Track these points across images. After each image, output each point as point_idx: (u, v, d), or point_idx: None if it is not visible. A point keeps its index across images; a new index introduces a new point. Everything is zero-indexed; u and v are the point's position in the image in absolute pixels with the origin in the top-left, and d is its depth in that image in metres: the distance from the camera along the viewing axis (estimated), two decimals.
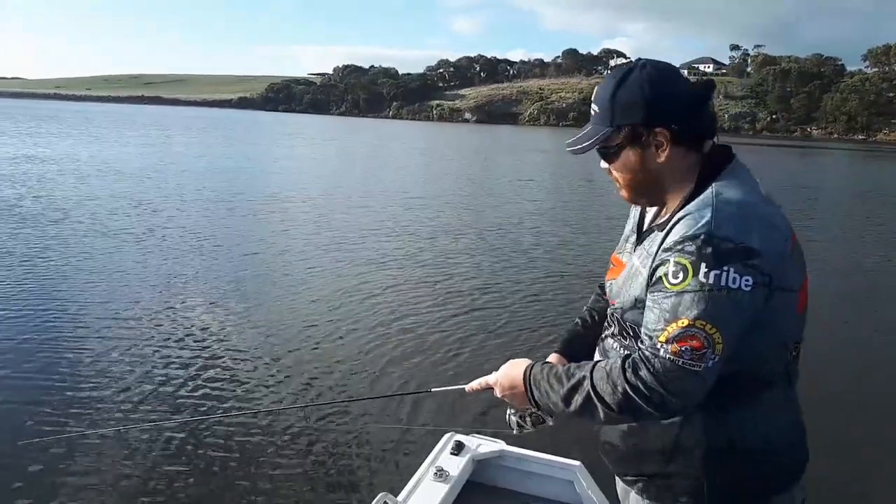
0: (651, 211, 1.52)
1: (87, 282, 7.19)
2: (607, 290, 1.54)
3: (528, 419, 1.60)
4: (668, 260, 1.25)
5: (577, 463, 2.34)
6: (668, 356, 1.21)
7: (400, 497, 2.11)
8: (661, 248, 1.29)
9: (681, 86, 1.37)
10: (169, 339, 5.61)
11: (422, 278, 8.04)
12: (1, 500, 3.28)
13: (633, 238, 1.51)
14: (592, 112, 1.43)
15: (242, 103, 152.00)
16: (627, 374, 1.24)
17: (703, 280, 1.19)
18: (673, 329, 1.21)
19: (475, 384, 1.61)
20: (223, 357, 5.29)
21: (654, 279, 1.29)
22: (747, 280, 1.19)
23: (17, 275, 7.26)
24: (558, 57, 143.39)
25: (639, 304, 1.35)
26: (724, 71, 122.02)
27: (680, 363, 1.20)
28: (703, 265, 1.20)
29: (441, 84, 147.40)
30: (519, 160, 31.92)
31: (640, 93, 1.34)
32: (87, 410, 4.24)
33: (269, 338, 5.77)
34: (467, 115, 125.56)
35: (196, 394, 4.61)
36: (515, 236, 11.18)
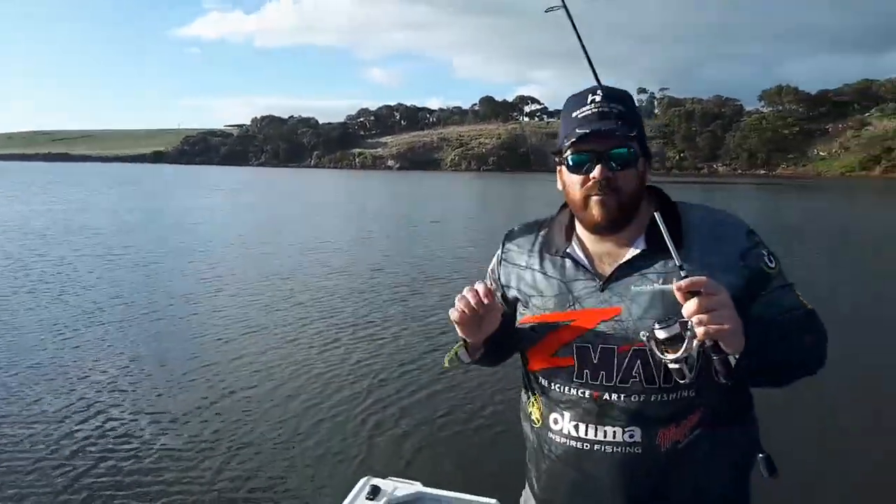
0: (578, 252, 1.44)
1: None
2: (601, 337, 1.36)
3: (685, 360, 1.20)
4: (760, 254, 1.37)
5: (494, 501, 2.31)
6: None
7: None
8: (739, 251, 1.36)
9: None
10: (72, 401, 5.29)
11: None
12: None
13: (592, 284, 1.39)
14: (612, 110, 1.34)
15: (157, 157, 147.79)
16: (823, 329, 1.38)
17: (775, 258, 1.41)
18: (798, 294, 1.39)
19: (688, 282, 1.18)
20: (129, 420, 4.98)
21: (755, 275, 1.35)
22: None
23: None
24: (475, 104, 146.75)
25: None
26: None
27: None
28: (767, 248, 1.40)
29: (362, 132, 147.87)
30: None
31: (640, 112, 1.43)
32: None
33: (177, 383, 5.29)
34: (390, 163, 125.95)
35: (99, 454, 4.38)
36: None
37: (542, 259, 1.47)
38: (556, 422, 1.43)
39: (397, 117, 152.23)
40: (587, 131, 1.31)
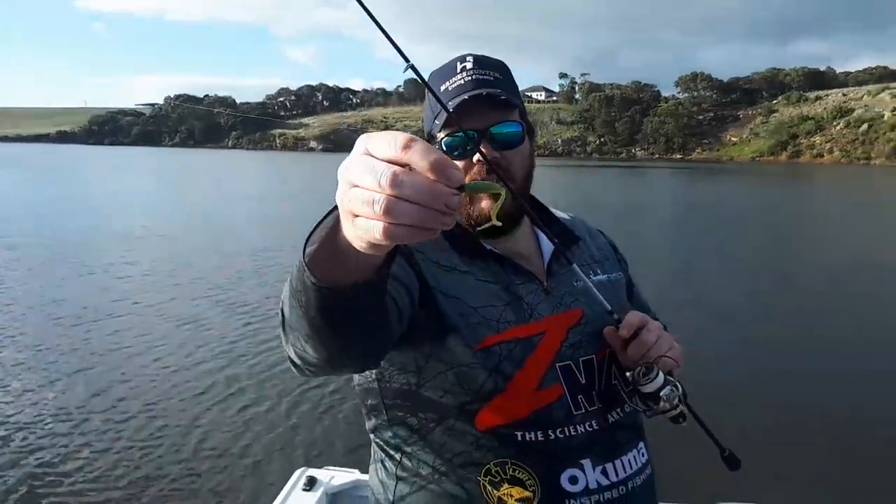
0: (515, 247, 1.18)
1: None
2: (577, 348, 1.12)
3: (678, 399, 1.04)
4: (620, 252, 1.34)
5: None
6: None
7: None
8: (614, 250, 1.32)
9: None
10: None
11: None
12: None
13: (534, 286, 1.13)
14: (489, 77, 1.11)
15: (62, 137, 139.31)
16: None
17: None
18: None
19: (628, 326, 1.08)
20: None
21: (629, 273, 1.32)
22: None
23: None
24: (400, 86, 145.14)
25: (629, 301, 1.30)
26: (555, 98, 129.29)
27: None
28: None
29: (283, 113, 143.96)
30: None
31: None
32: None
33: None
34: (313, 144, 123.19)
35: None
36: None
37: (461, 260, 1.11)
38: (574, 481, 1.05)
39: (319, 98, 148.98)
40: (465, 97, 1.07)
